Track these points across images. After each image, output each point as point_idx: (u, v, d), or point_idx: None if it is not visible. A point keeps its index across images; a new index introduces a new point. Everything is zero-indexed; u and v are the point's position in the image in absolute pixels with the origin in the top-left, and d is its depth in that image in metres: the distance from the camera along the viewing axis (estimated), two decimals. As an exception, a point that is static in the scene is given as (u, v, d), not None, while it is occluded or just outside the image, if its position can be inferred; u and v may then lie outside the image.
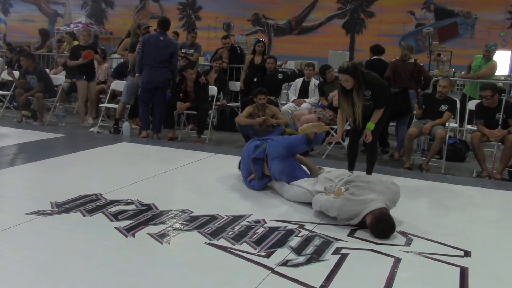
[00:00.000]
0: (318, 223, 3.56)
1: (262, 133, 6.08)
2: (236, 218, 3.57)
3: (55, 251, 2.89)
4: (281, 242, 3.16)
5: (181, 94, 6.96)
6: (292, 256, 2.96)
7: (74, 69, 7.93)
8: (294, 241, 3.19)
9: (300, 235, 3.31)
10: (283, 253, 3.00)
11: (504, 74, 12.06)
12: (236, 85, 8.30)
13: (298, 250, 3.04)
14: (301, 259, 2.93)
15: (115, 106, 7.53)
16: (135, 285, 2.54)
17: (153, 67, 6.69)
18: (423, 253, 3.11)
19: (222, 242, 3.12)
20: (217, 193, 4.30)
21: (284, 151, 4.20)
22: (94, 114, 8.33)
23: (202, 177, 4.84)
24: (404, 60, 6.52)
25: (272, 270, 2.75)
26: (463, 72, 8.83)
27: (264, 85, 6.93)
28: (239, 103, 8.02)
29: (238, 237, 3.20)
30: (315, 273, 2.75)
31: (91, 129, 7.35)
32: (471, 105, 6.61)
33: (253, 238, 3.21)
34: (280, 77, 7.91)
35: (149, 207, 3.73)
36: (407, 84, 6.46)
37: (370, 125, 4.69)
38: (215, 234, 3.24)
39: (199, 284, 2.59)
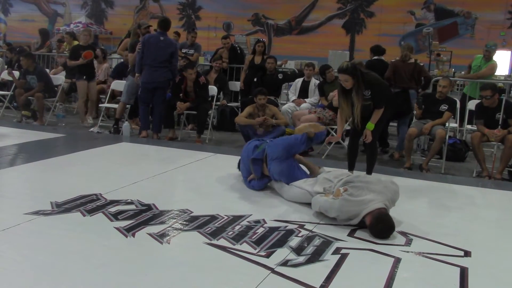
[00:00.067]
0: (318, 223, 3.56)
1: (262, 133, 6.08)
2: (236, 218, 3.57)
3: (55, 251, 2.89)
4: (281, 242, 3.16)
5: (181, 94, 6.96)
6: (292, 256, 2.96)
7: (74, 69, 7.93)
8: (294, 241, 3.19)
9: (300, 235, 3.31)
10: (283, 253, 3.00)
11: (504, 74, 12.06)
12: (236, 85, 8.30)
13: (298, 250, 3.04)
14: (301, 259, 2.93)
15: (115, 106, 7.53)
16: (135, 285, 2.54)
17: (153, 67, 6.69)
18: (423, 253, 3.11)
19: (222, 242, 3.12)
20: (217, 193, 4.30)
21: (283, 152, 4.19)
22: (94, 114, 8.33)
23: (202, 177, 4.84)
24: (404, 60, 6.52)
25: (272, 270, 2.75)
26: (463, 72, 8.83)
27: (264, 85, 6.93)
28: (239, 103, 8.02)
29: (238, 237, 3.20)
30: (315, 273, 2.75)
31: (91, 129, 7.35)
32: (471, 105, 6.61)
33: (253, 238, 3.22)
34: (280, 77, 7.91)
35: (149, 207, 3.74)
36: (407, 84, 6.46)
37: (370, 125, 4.69)
38: (215, 234, 3.24)
39: (199, 284, 2.59)
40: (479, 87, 6.57)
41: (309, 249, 3.07)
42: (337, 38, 18.05)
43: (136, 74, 6.85)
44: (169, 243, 3.10)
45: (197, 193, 4.33)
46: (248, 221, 3.53)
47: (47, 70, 8.88)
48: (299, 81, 7.58)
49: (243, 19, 19.51)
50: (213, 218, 3.55)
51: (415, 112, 6.30)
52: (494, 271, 2.94)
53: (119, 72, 8.02)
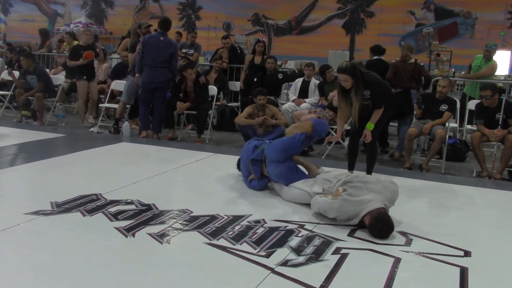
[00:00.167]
0: (318, 223, 3.56)
1: (262, 133, 6.08)
2: (236, 218, 3.57)
3: (55, 251, 2.89)
4: (281, 242, 3.16)
5: (181, 94, 6.96)
6: (292, 256, 2.96)
7: (74, 69, 7.92)
8: (294, 241, 3.19)
9: (300, 235, 3.32)
10: (283, 253, 3.00)
11: (504, 74, 12.05)
12: (236, 85, 8.30)
13: (298, 250, 3.04)
14: (301, 259, 2.93)
15: (115, 106, 7.53)
16: (135, 285, 2.54)
17: (153, 67, 6.70)
18: (423, 253, 3.11)
19: (222, 242, 3.12)
20: (217, 193, 4.30)
21: (280, 154, 4.17)
22: (95, 114, 8.33)
23: (202, 177, 4.84)
24: (404, 60, 6.53)
25: (272, 270, 2.75)
26: (463, 72, 8.83)
27: (264, 85, 6.93)
28: (239, 103, 8.02)
29: (238, 237, 3.20)
30: (315, 273, 2.75)
31: (91, 129, 7.35)
32: (471, 105, 6.61)
33: (253, 238, 3.22)
34: (280, 77, 7.91)
35: (149, 207, 3.74)
36: (408, 85, 6.46)
37: (370, 125, 4.69)
38: (215, 234, 3.25)
39: (199, 284, 2.59)
40: (479, 87, 6.57)
41: (309, 249, 3.07)
42: (337, 38, 18.04)
43: (136, 74, 6.85)
44: (169, 243, 3.10)
45: (197, 193, 4.32)
46: (248, 221, 3.53)
47: (47, 70, 8.88)
48: (299, 81, 7.58)
49: (243, 19, 19.50)
50: (213, 218, 3.55)
51: (415, 112, 6.30)
52: (494, 271, 2.94)
53: (118, 73, 8.03)
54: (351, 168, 4.97)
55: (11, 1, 23.61)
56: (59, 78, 8.43)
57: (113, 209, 3.66)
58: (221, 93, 8.01)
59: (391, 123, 7.04)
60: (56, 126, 7.56)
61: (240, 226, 3.43)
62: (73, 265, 2.71)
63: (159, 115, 6.90)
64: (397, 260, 2.97)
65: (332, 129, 6.04)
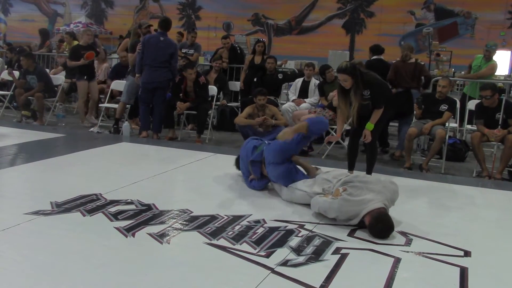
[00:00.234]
0: (318, 223, 3.56)
1: (262, 133, 6.08)
2: (236, 218, 3.57)
3: (55, 251, 2.89)
4: (281, 242, 3.16)
5: (181, 94, 6.96)
6: (292, 256, 2.96)
7: (74, 69, 7.92)
8: (294, 241, 3.19)
9: (300, 235, 3.31)
10: (283, 253, 3.00)
11: (504, 74, 12.06)
12: (236, 85, 8.30)
13: (298, 250, 3.04)
14: (301, 259, 2.93)
15: (115, 106, 7.53)
16: (135, 285, 2.54)
17: (153, 67, 6.70)
18: (423, 253, 3.11)
19: (222, 242, 3.12)
20: (217, 193, 4.30)
21: (278, 156, 4.15)
22: (95, 114, 8.33)
23: (202, 177, 4.83)
24: (405, 60, 6.54)
25: (272, 270, 2.75)
26: (463, 72, 8.84)
27: (264, 85, 6.93)
28: (239, 103, 8.02)
29: (238, 237, 3.20)
30: (315, 273, 2.75)
31: (91, 129, 7.35)
32: (471, 105, 6.61)
33: (253, 238, 3.22)
34: (280, 77, 7.91)
35: (149, 207, 3.74)
36: (409, 84, 6.47)
37: (370, 125, 4.68)
38: (215, 234, 3.24)
39: (199, 284, 2.59)
40: (479, 87, 6.57)
41: (309, 249, 3.07)
42: (337, 38, 18.05)
43: (137, 75, 6.85)
44: (169, 243, 3.09)
45: (197, 193, 4.32)
46: (248, 221, 3.53)
47: (47, 70, 8.88)
48: (299, 81, 7.58)
49: (243, 19, 19.51)
50: (213, 218, 3.55)
51: (415, 112, 6.30)
52: (494, 271, 2.94)
53: (117, 73, 8.04)
54: (351, 168, 4.97)
55: (11, 1, 23.62)
56: (59, 78, 8.43)
57: (113, 209, 3.66)
58: (221, 93, 8.01)
59: (391, 123, 7.04)
60: (56, 126, 7.56)
61: (240, 226, 3.42)
62: (73, 265, 2.71)
63: (159, 115, 6.91)
64: (397, 260, 2.97)
65: (332, 129, 6.04)
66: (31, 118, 7.87)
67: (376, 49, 7.15)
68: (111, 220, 3.43)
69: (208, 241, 3.13)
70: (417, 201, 4.35)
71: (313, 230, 3.42)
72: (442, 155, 6.03)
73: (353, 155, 5.03)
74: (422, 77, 6.63)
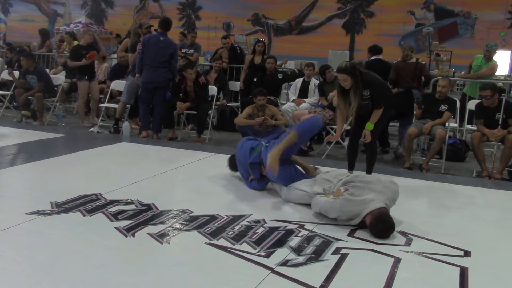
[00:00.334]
0: (318, 223, 3.56)
1: (262, 133, 6.07)
2: (236, 218, 3.57)
3: (55, 251, 2.89)
4: (281, 242, 3.16)
5: (181, 94, 6.96)
6: (292, 256, 2.96)
7: (74, 69, 7.92)
8: (294, 241, 3.19)
9: (300, 235, 3.31)
10: (283, 253, 3.00)
11: (504, 74, 12.06)
12: (236, 85, 8.30)
13: (298, 250, 3.04)
14: (301, 259, 2.93)
15: (115, 106, 7.53)
16: (135, 285, 2.54)
17: (153, 67, 6.70)
18: (423, 253, 3.11)
19: (222, 242, 3.12)
20: (217, 193, 4.30)
21: None
22: (96, 114, 8.33)
23: (202, 177, 4.83)
24: (405, 60, 6.54)
25: (272, 270, 2.75)
26: (463, 72, 8.84)
27: (264, 85, 6.93)
28: (239, 103, 8.02)
29: (238, 237, 3.20)
30: (315, 273, 2.75)
31: (91, 129, 7.35)
32: (471, 105, 6.61)
33: (253, 238, 3.21)
34: (280, 77, 7.91)
35: (149, 207, 3.73)
36: (410, 84, 6.47)
37: (369, 125, 4.68)
38: (215, 234, 3.24)
39: (199, 284, 2.59)
40: (479, 87, 6.57)
41: (309, 249, 3.07)
42: (337, 38, 18.04)
43: (137, 75, 6.85)
44: (169, 243, 3.09)
45: (197, 193, 4.32)
46: (248, 221, 3.53)
47: (47, 70, 8.88)
48: (299, 81, 7.58)
49: (243, 19, 19.50)
50: (213, 218, 3.55)
51: (415, 112, 6.30)
52: (494, 271, 2.94)
53: (116, 73, 8.04)
54: (351, 168, 4.97)
55: (11, 1, 23.60)
56: (59, 78, 8.43)
57: (113, 209, 3.66)
58: (221, 93, 8.01)
59: (391, 123, 7.04)
60: (56, 126, 7.56)
61: (240, 226, 3.42)
62: (73, 265, 2.71)
63: (159, 115, 6.91)
64: (397, 260, 2.97)
65: (332, 129, 6.04)
66: (31, 118, 7.87)
67: (374, 49, 7.15)
68: (111, 220, 3.43)
69: (208, 241, 3.13)
70: (417, 201, 4.35)
71: (313, 230, 3.42)
72: (442, 155, 6.03)
73: (353, 155, 5.03)
74: (423, 77, 6.64)
